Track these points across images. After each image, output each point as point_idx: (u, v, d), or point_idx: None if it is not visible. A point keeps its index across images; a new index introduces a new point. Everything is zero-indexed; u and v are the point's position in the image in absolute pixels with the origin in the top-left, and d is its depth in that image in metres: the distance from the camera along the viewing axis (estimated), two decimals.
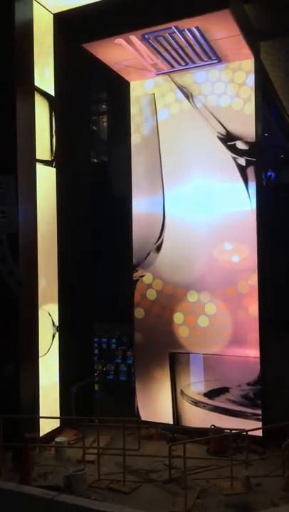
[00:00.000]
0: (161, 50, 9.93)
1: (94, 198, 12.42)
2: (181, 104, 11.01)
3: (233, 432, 8.86)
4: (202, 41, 9.52)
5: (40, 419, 9.86)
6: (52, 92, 10.86)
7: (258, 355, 10.11)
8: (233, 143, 10.45)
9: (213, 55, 10.07)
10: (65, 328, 10.91)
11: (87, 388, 11.72)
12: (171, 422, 10.87)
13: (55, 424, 10.52)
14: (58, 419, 10.57)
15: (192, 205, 10.87)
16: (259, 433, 9.64)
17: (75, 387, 10.95)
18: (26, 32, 9.95)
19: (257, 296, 10.14)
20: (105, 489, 8.19)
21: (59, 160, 10.97)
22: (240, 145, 10.39)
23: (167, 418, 10.92)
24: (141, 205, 11.47)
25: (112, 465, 8.91)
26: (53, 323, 10.72)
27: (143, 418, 11.00)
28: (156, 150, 11.29)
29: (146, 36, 9.48)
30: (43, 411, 10.04)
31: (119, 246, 12.39)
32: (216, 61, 10.28)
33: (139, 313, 11.39)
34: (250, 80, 10.31)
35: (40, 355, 10.10)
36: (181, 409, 10.87)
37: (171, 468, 8.25)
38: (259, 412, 10.12)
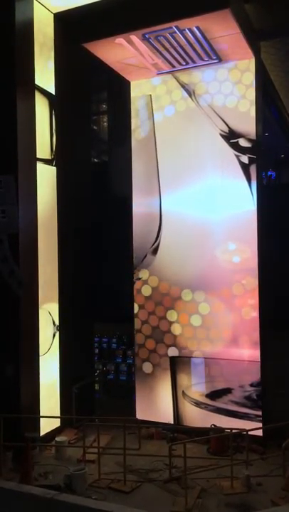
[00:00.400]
0: (162, 49, 9.94)
1: (94, 198, 12.41)
2: (183, 102, 10.96)
3: (233, 431, 8.86)
4: (203, 41, 9.53)
5: (41, 419, 9.87)
6: (52, 91, 10.85)
7: (257, 356, 10.10)
8: (236, 140, 10.42)
9: (213, 55, 10.09)
10: (65, 328, 10.91)
11: (87, 388, 11.72)
12: (172, 422, 10.87)
13: (56, 423, 10.52)
14: (59, 419, 10.58)
15: (192, 204, 10.84)
16: (259, 433, 9.64)
17: (76, 387, 10.95)
18: (27, 31, 9.96)
19: (257, 296, 10.14)
20: (106, 488, 8.20)
21: (59, 159, 10.97)
22: (243, 143, 10.36)
23: (167, 418, 10.92)
24: (141, 205, 11.45)
25: (112, 464, 8.93)
26: (54, 323, 10.72)
27: (143, 418, 10.99)
28: (154, 150, 11.28)
29: (146, 36, 9.49)
30: (43, 410, 10.04)
31: (120, 246, 12.40)
32: (216, 61, 10.29)
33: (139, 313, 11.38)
34: (250, 80, 10.28)
35: (40, 354, 10.11)
36: (182, 409, 10.88)
37: (171, 468, 8.26)
38: (260, 413, 10.11)
